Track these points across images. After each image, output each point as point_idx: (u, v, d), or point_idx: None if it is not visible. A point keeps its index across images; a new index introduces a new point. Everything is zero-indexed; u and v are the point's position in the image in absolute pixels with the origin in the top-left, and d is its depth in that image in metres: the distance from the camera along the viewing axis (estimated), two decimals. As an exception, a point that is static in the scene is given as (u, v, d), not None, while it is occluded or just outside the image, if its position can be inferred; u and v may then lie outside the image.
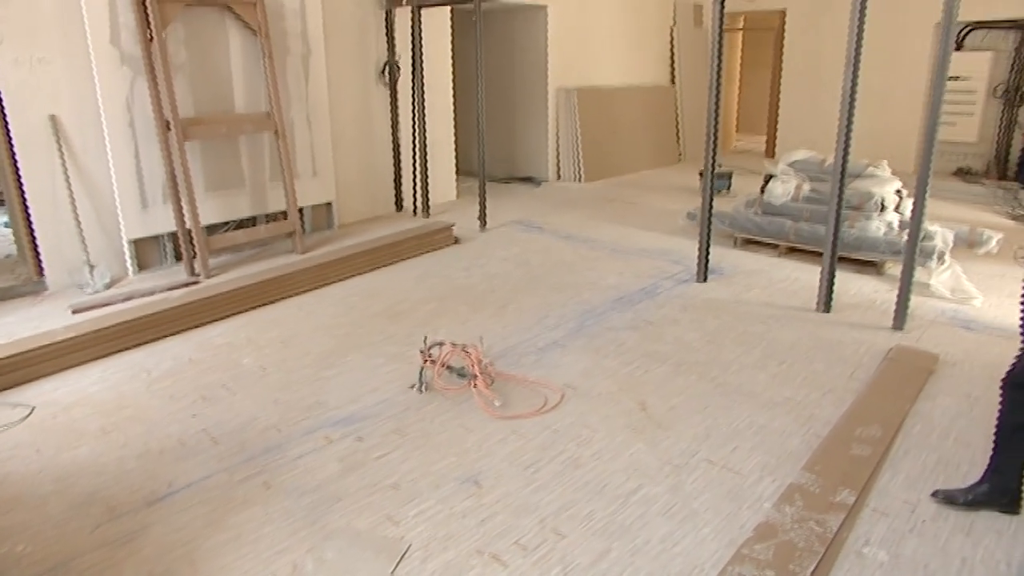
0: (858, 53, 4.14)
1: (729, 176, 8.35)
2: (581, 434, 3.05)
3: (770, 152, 10.92)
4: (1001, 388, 2.52)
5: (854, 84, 4.18)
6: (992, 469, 2.56)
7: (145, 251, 5.47)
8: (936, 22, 3.69)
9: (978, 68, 9.19)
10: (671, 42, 10.68)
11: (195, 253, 5.29)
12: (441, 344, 3.53)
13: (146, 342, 4.11)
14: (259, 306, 4.68)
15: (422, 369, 3.46)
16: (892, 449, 2.95)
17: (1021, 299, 2.44)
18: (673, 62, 10.74)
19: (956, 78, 9.38)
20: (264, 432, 3.12)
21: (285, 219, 5.96)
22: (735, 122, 12.77)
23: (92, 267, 5.01)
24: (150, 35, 5.00)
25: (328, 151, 6.49)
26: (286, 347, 4.03)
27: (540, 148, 9.18)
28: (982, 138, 9.39)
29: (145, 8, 4.94)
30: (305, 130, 6.28)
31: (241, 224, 5.92)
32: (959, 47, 9.41)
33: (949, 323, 4.38)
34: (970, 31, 9.28)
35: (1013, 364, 2.48)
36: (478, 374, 3.34)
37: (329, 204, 6.65)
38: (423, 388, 3.44)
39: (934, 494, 2.63)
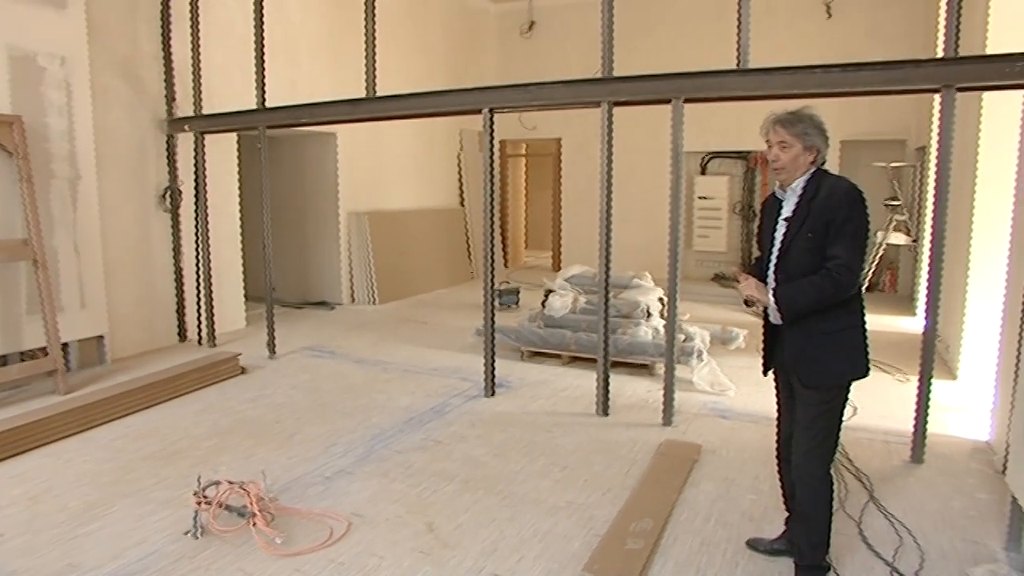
0: (610, 181, 4.71)
1: (517, 292, 8.88)
2: (368, 563, 2.97)
3: (556, 266, 11.80)
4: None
5: (608, 208, 4.73)
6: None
7: None
8: (687, 150, 4.43)
9: (720, 190, 10.75)
10: (459, 166, 11.40)
11: (-76, 403, 4.61)
12: (218, 483, 3.32)
13: None
14: (4, 459, 4.11)
15: (196, 513, 3.22)
16: (663, 538, 3.17)
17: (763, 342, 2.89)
18: (461, 185, 11.43)
19: (704, 198, 10.88)
20: (-3, 610, 2.70)
21: (46, 356, 5.39)
22: (524, 239, 13.68)
23: None
24: None
25: (99, 280, 6.05)
26: (35, 504, 3.56)
27: (333, 272, 9.22)
28: (730, 247, 10.86)
29: None
30: (72, 258, 5.83)
31: (-12, 365, 5.27)
32: (704, 172, 10.98)
33: (710, 414, 4.88)
34: (711, 159, 10.89)
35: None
36: (257, 512, 3.17)
37: (101, 337, 6.13)
38: (199, 533, 3.19)
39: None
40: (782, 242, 2.68)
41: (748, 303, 2.76)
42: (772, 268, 2.71)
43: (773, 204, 2.80)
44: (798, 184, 2.67)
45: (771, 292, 2.64)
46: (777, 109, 2.76)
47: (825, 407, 2.68)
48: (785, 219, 2.69)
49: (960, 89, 3.87)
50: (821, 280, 2.53)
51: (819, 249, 2.57)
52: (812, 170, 2.66)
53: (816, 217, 2.57)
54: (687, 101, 4.51)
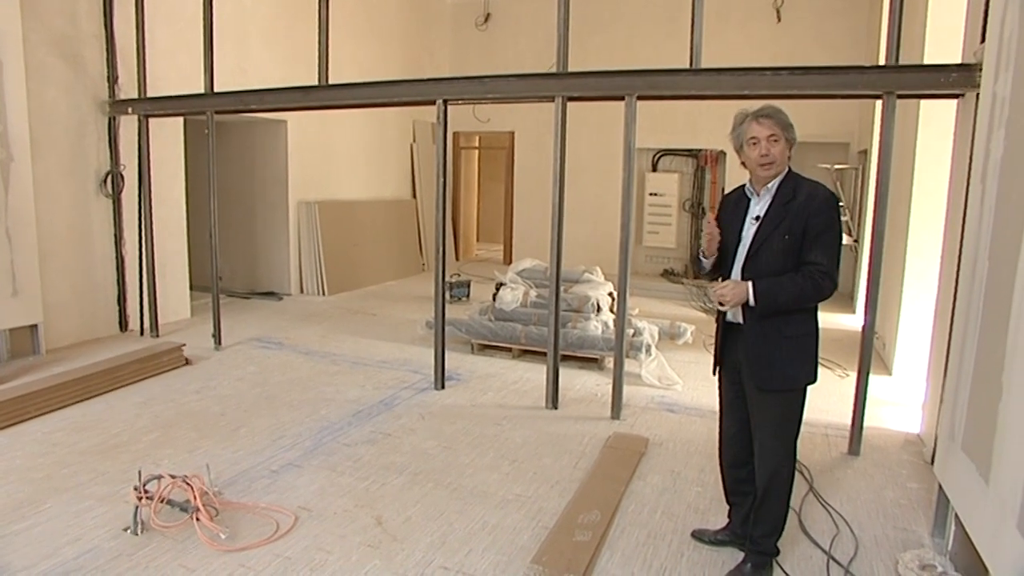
0: (562, 176, 4.73)
1: (467, 284, 8.87)
2: (315, 558, 2.94)
3: (508, 260, 11.81)
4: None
5: (560, 202, 4.75)
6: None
7: None
8: (639, 147, 4.52)
9: (670, 186, 10.91)
10: (411, 158, 11.31)
11: None
12: (159, 478, 3.24)
13: None
14: (-74, 455, 3.93)
15: (137, 508, 3.13)
16: (610, 530, 3.22)
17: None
18: (414, 177, 11.35)
19: (655, 194, 11.03)
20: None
21: (-27, 346, 5.16)
22: (476, 232, 13.65)
23: None
24: None
25: (33, 267, 5.81)
26: (-42, 504, 3.41)
27: (282, 261, 9.04)
28: (679, 244, 11.04)
29: None
30: (3, 244, 5.58)
31: (-88, 355, 5.03)
32: (655, 169, 11.13)
33: (657, 408, 4.96)
34: (661, 156, 11.04)
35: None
36: (200, 506, 3.10)
37: (35, 326, 5.90)
38: (139, 530, 3.11)
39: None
40: (752, 242, 2.66)
41: (722, 305, 2.66)
42: (739, 267, 2.70)
43: (740, 200, 2.77)
44: (774, 184, 2.66)
45: (750, 286, 2.58)
46: (728, 109, 2.79)
47: (782, 410, 2.70)
48: (756, 218, 2.67)
49: (900, 96, 4.01)
50: (804, 280, 2.53)
51: (793, 252, 2.57)
52: (786, 169, 2.67)
53: (794, 221, 2.57)
54: (640, 99, 4.56)
